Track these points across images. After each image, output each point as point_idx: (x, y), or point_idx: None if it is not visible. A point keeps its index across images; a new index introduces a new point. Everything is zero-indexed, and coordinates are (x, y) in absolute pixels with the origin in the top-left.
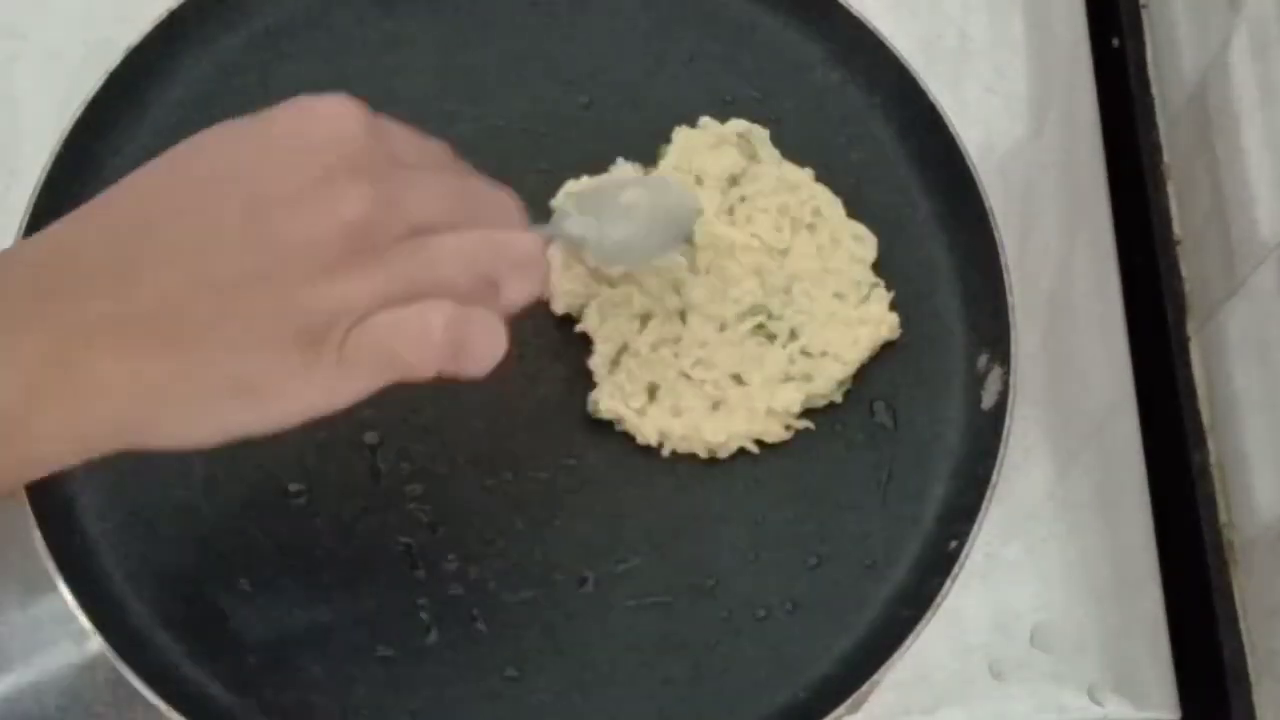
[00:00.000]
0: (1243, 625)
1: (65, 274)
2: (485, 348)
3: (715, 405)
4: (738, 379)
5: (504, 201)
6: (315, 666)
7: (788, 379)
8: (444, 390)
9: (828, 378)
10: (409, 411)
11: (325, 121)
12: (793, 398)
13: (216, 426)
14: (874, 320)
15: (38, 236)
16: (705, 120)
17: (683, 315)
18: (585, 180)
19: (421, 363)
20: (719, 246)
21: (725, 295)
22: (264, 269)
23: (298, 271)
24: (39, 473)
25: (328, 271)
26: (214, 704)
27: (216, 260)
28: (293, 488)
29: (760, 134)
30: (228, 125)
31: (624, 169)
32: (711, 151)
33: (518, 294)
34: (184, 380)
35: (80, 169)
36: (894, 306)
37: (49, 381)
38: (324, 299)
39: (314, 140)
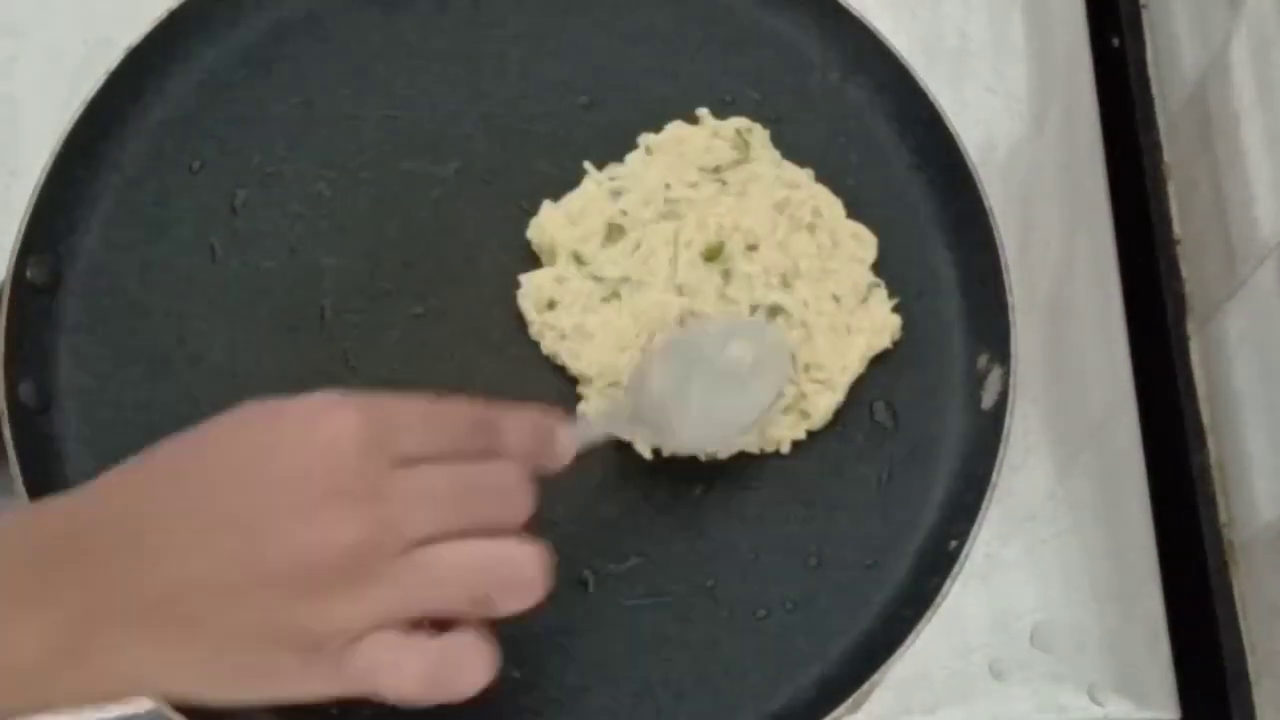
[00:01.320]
0: (1243, 625)
1: (76, 553)
2: (470, 677)
3: None
4: None
5: (510, 486)
6: None
7: (785, 410)
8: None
9: (824, 411)
10: None
11: (327, 437)
12: (789, 433)
13: (226, 698)
14: (871, 329)
15: (48, 506)
16: (703, 113)
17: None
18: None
19: (396, 698)
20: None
21: (724, 293)
22: (262, 581)
23: (293, 590)
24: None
25: (323, 592)
26: (215, 704)
27: (219, 564)
28: None
29: (760, 133)
30: (239, 421)
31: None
32: (702, 143)
33: (511, 609)
34: (192, 665)
35: (80, 169)
36: (895, 309)
37: (64, 654)
38: (318, 618)
39: (314, 457)
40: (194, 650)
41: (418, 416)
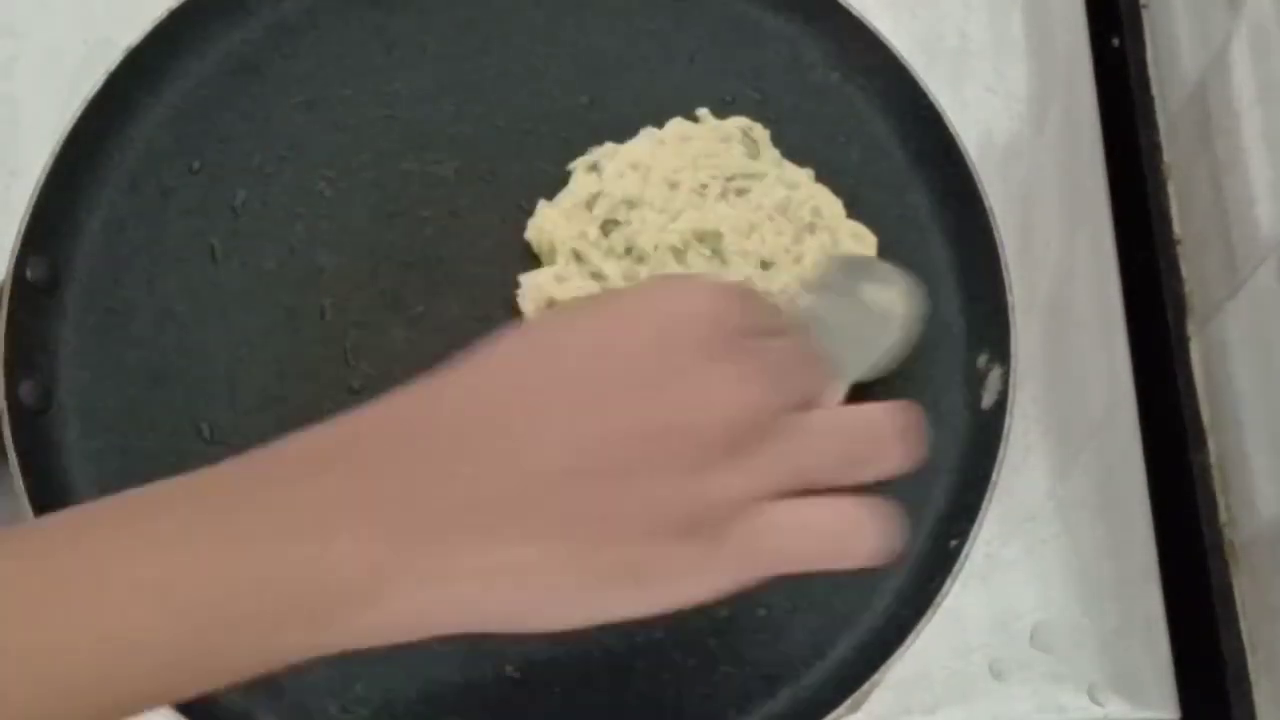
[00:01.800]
0: (1243, 625)
1: (411, 456)
2: (870, 545)
3: None
4: None
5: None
6: (315, 667)
7: None
8: None
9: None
10: None
11: (692, 300)
12: None
13: (591, 613)
14: None
15: (358, 416)
16: (703, 113)
17: None
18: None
19: (799, 564)
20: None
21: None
22: (646, 458)
23: (681, 462)
24: (381, 644)
25: (709, 462)
26: (214, 702)
27: (594, 447)
28: None
29: (760, 133)
30: (583, 310)
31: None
32: (717, 145)
33: (878, 474)
34: (558, 568)
35: (80, 169)
36: None
37: (400, 569)
38: (704, 494)
39: (677, 324)
40: (558, 550)
41: (741, 292)
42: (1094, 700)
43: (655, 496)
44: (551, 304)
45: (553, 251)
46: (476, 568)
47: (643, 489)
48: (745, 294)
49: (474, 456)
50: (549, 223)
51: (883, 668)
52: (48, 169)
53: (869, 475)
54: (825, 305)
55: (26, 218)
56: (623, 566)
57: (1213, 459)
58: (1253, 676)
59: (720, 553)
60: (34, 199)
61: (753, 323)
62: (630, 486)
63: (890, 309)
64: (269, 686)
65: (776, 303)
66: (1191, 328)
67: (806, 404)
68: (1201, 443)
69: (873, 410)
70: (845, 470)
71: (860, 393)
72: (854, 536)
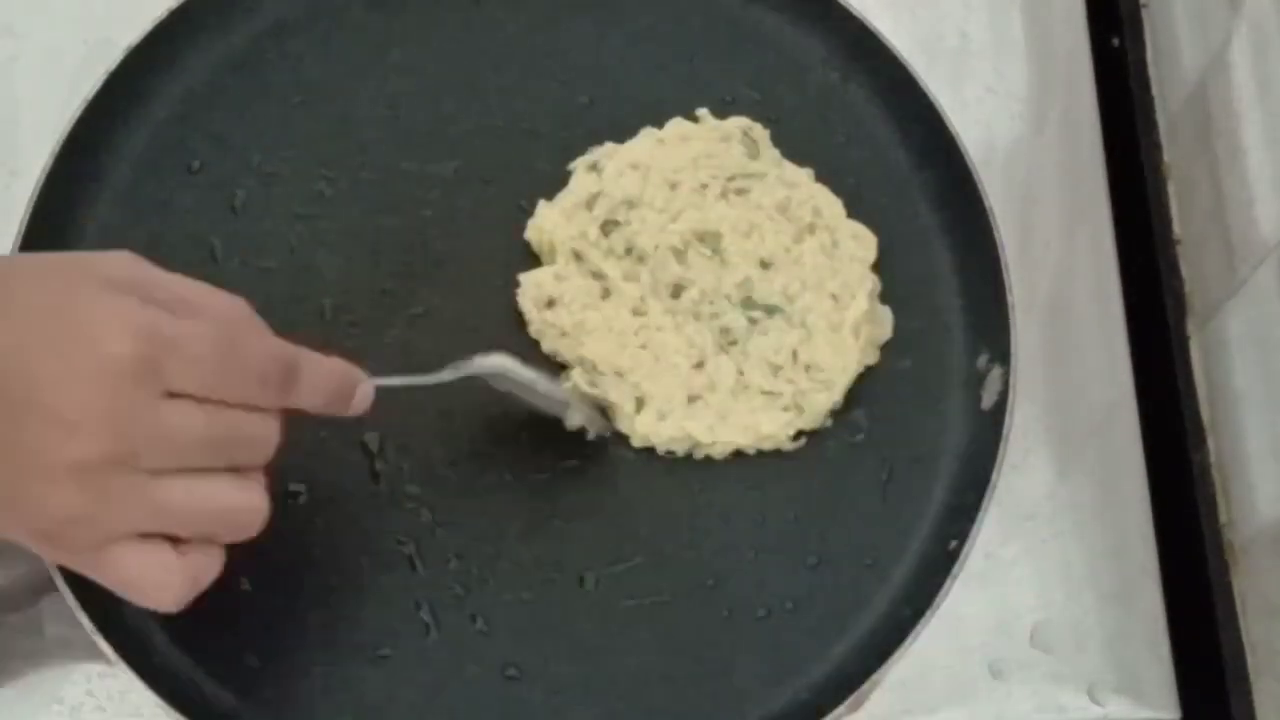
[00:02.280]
0: (1243, 625)
1: None
2: (162, 594)
3: (691, 400)
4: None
5: (264, 436)
6: (316, 667)
7: (784, 409)
8: (444, 391)
9: (819, 410)
10: (409, 412)
11: (109, 355)
12: (782, 430)
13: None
14: (870, 329)
15: None
16: (703, 113)
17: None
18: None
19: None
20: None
21: (720, 281)
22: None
23: (47, 478)
24: None
25: (59, 484)
26: (214, 704)
27: None
28: (293, 488)
29: (760, 133)
30: (39, 306)
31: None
32: (717, 145)
33: (231, 540)
34: None
35: (80, 169)
36: (895, 309)
37: None
38: (54, 517)
39: (90, 369)
40: None
41: (214, 354)
42: (1094, 700)
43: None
44: (551, 303)
45: (553, 251)
46: None
47: (23, 485)
48: (204, 354)
49: None
50: (549, 223)
51: (883, 668)
52: (48, 169)
53: (220, 540)
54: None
55: (26, 218)
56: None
57: (1213, 459)
58: (1253, 676)
59: (73, 556)
60: (34, 199)
61: (189, 386)
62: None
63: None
64: (270, 688)
65: None
66: (1191, 328)
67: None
68: (1201, 443)
69: (232, 496)
70: (195, 534)
71: (857, 392)
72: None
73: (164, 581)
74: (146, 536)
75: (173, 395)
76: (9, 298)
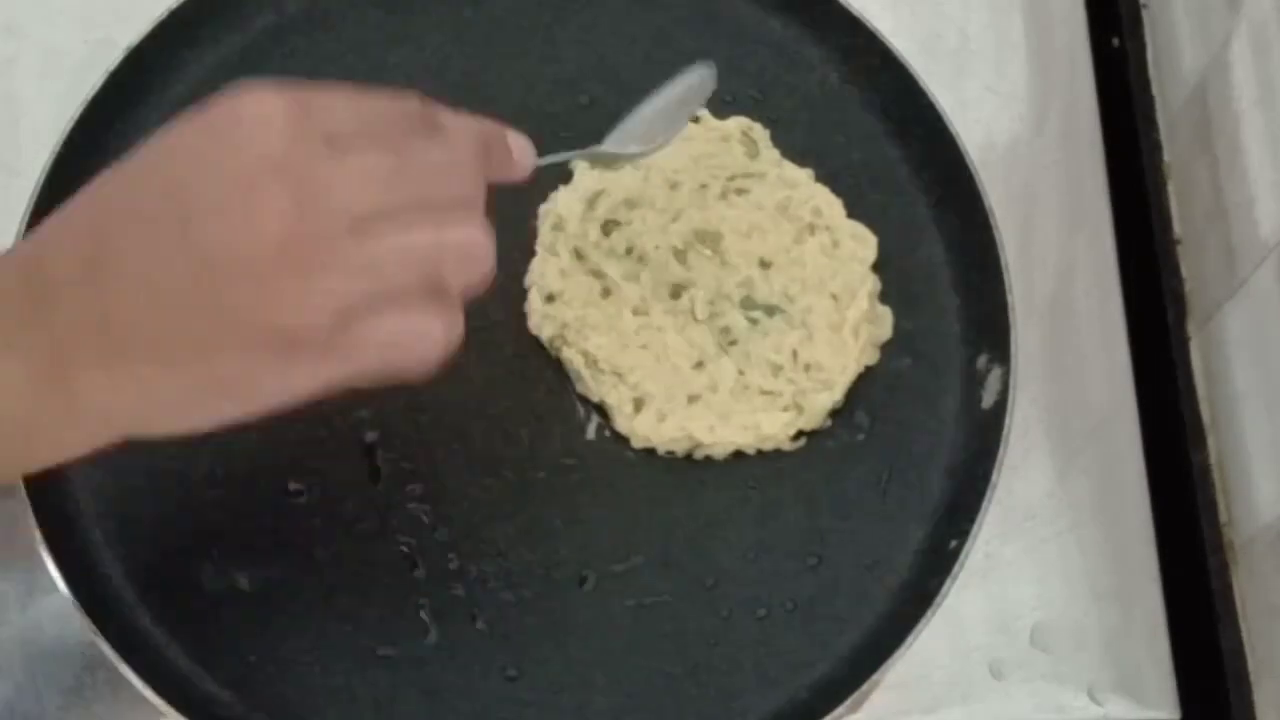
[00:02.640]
0: (1243, 625)
1: (37, 288)
2: (435, 349)
3: (691, 400)
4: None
5: (459, 160)
6: (315, 666)
7: (784, 409)
8: (444, 391)
9: (819, 409)
10: (409, 411)
11: (253, 118)
12: (783, 430)
13: (205, 418)
14: (871, 329)
15: (9, 255)
16: (703, 113)
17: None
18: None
19: (395, 368)
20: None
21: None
22: (208, 280)
23: (240, 282)
24: (45, 465)
25: (270, 280)
26: (214, 703)
27: (166, 272)
28: (293, 487)
29: (760, 133)
30: (169, 135)
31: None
32: (717, 145)
33: (464, 288)
34: (166, 383)
35: (80, 169)
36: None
37: (45, 393)
38: (276, 307)
39: (239, 141)
40: (162, 367)
41: (348, 100)
42: (1094, 700)
43: (227, 316)
44: (551, 299)
45: (553, 233)
46: (118, 388)
47: (215, 310)
48: (352, 99)
49: (82, 287)
50: (563, 207)
51: (883, 667)
52: (47, 169)
53: (452, 290)
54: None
55: (26, 218)
56: (215, 380)
57: (1213, 459)
58: (1253, 676)
59: (309, 360)
60: (34, 199)
61: (350, 126)
62: (205, 308)
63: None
64: (270, 687)
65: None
66: (1191, 328)
67: (422, 208)
68: (1201, 443)
69: (452, 230)
70: (426, 284)
71: (857, 392)
72: (418, 346)
73: (424, 329)
74: (381, 301)
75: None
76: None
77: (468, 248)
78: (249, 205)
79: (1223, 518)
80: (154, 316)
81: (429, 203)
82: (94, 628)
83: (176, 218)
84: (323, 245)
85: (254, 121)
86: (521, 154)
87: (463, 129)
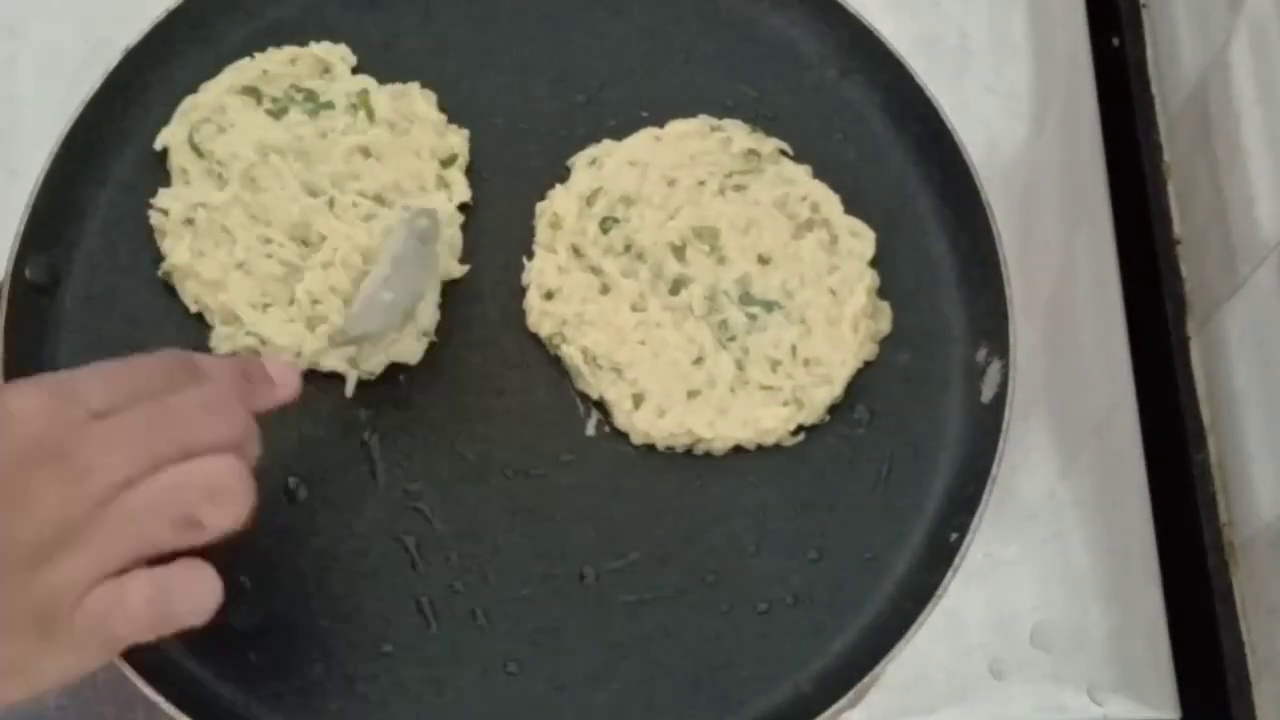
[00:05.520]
0: (1243, 625)
1: None
2: (195, 601)
3: (691, 396)
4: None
5: (214, 403)
6: (316, 664)
7: (783, 404)
8: (443, 389)
9: (819, 404)
10: (408, 410)
11: (8, 413)
12: (782, 425)
13: None
14: (869, 324)
15: None
16: (703, 119)
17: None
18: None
19: (136, 635)
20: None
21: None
22: None
23: (9, 568)
24: None
25: (38, 562)
26: (215, 702)
27: None
28: (293, 485)
29: (758, 130)
30: None
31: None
32: (715, 142)
33: (219, 523)
34: None
35: (80, 169)
36: (894, 304)
37: None
38: (39, 589)
39: (6, 431)
40: None
41: (106, 373)
42: (1094, 700)
43: (20, 594)
44: (550, 296)
45: (551, 231)
46: None
47: (11, 588)
48: (112, 374)
49: None
50: (561, 205)
51: (884, 661)
52: (47, 169)
53: (208, 535)
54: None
55: (26, 218)
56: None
57: (1213, 459)
58: (1253, 676)
59: (64, 638)
60: (34, 199)
61: (108, 401)
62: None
63: (426, 237)
64: (271, 685)
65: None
66: (1191, 328)
67: (180, 455)
68: (1201, 443)
69: (197, 464)
70: (179, 535)
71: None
72: (167, 604)
73: (129, 606)
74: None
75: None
76: None
77: (220, 487)
78: (21, 496)
79: (1223, 518)
80: None
81: (187, 448)
82: None
83: None
84: (88, 512)
85: (13, 415)
86: (282, 376)
87: (221, 368)
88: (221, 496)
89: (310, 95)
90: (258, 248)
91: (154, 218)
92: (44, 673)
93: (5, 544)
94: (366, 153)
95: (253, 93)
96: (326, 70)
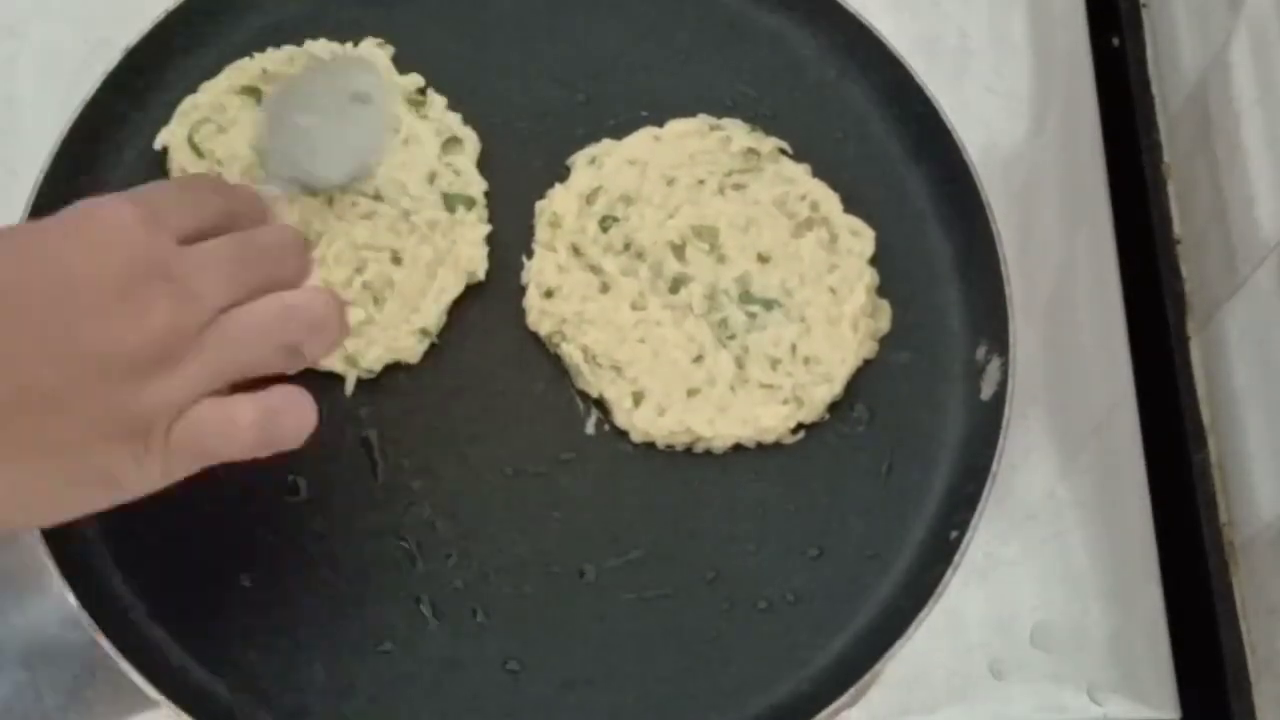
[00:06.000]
0: (1243, 625)
1: None
2: (294, 427)
3: (691, 394)
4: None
5: (287, 242)
6: (316, 663)
7: (783, 402)
8: (442, 387)
9: (818, 402)
10: (408, 409)
11: (109, 226)
12: (782, 423)
13: (71, 509)
14: (869, 322)
15: None
16: (702, 118)
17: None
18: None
19: (235, 453)
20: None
21: (718, 276)
22: (84, 378)
23: (115, 379)
24: None
25: (142, 375)
26: (215, 701)
27: (39, 371)
28: (293, 483)
29: (758, 130)
30: (17, 244)
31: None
32: (714, 141)
33: (317, 352)
34: (32, 481)
35: (80, 169)
36: (893, 302)
37: None
38: (142, 401)
39: (106, 248)
40: (30, 466)
41: (183, 196)
42: (1094, 700)
43: (96, 413)
44: (549, 295)
45: (551, 230)
46: None
47: (84, 407)
48: (183, 192)
49: None
50: (560, 204)
51: (884, 658)
52: (47, 169)
53: (304, 362)
54: (313, 118)
55: (26, 218)
56: (82, 472)
57: (1213, 459)
58: (1253, 676)
59: (157, 450)
60: (33, 199)
61: (191, 223)
62: (73, 405)
63: (366, 93)
64: (271, 684)
65: (239, 187)
66: (1191, 328)
67: (267, 288)
68: (1201, 443)
69: (298, 295)
70: (280, 359)
71: (857, 385)
72: (272, 425)
73: (273, 409)
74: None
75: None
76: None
77: (321, 317)
78: (134, 307)
79: (1223, 518)
80: (20, 415)
81: (276, 283)
82: (94, 627)
83: (53, 318)
84: (192, 333)
85: (114, 228)
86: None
87: (248, 201)
88: (322, 326)
89: None
90: None
91: None
92: (132, 483)
93: (115, 353)
94: None
95: (253, 92)
96: None
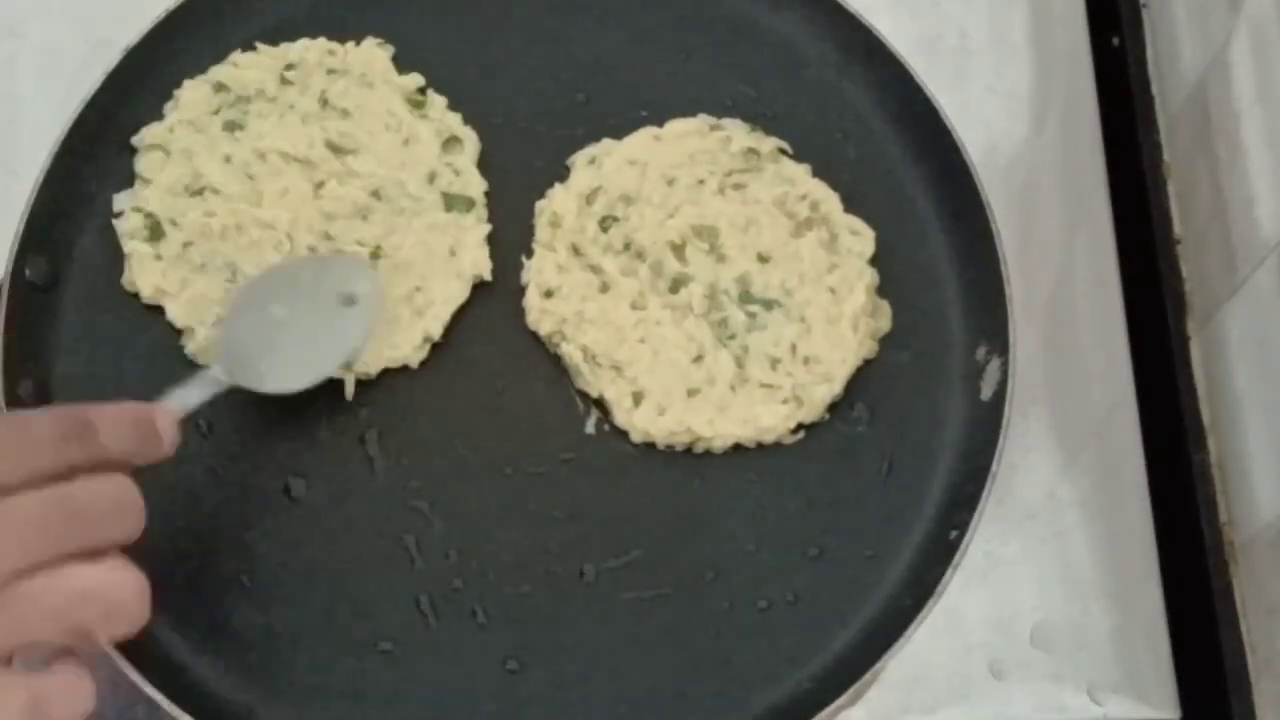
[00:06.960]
0: (1243, 625)
1: None
2: (69, 709)
3: (691, 394)
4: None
5: (118, 500)
6: (317, 661)
7: (783, 402)
8: (442, 387)
9: (818, 402)
10: (408, 409)
11: None
12: (782, 423)
13: None
14: (869, 322)
15: None
16: (702, 118)
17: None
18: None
19: None
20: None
21: (718, 276)
22: None
23: None
24: None
25: None
26: (216, 700)
27: None
28: (293, 484)
29: (758, 130)
30: None
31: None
32: (714, 141)
33: (112, 637)
34: None
35: (80, 169)
36: (894, 302)
37: None
38: None
39: None
40: None
41: (3, 432)
42: (1094, 700)
43: None
44: (549, 295)
45: (551, 230)
46: None
47: None
48: (7, 438)
49: None
50: (560, 204)
51: (884, 658)
52: (47, 169)
53: (100, 638)
54: (286, 312)
55: (26, 217)
56: None
57: (1213, 459)
58: (1253, 676)
59: None
60: (34, 199)
61: (6, 475)
62: None
63: (355, 294)
64: (272, 683)
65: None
66: (1191, 328)
67: (78, 551)
68: (1201, 443)
69: (100, 578)
70: (69, 640)
71: (857, 384)
72: (38, 715)
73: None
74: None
75: None
76: None
77: (119, 605)
78: None
79: (1223, 518)
80: None
81: (88, 542)
82: None
83: None
84: None
85: None
86: (169, 435)
87: (116, 422)
88: (119, 615)
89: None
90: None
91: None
92: None
93: None
94: (338, 149)
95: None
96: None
